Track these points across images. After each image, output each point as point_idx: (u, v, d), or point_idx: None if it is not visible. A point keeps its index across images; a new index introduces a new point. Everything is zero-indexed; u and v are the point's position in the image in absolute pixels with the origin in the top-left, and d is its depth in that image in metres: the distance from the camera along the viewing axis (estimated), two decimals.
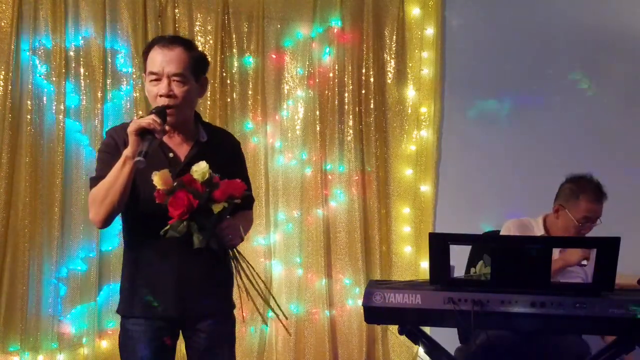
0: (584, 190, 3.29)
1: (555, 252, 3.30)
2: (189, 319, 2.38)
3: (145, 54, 2.35)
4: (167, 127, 2.26)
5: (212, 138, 2.42)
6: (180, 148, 2.36)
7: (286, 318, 2.36)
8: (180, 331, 2.44)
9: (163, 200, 2.16)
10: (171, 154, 2.34)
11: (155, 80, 2.29)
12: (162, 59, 2.28)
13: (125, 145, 2.24)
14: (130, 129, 2.18)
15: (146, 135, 2.17)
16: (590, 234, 3.32)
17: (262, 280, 2.39)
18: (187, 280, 2.34)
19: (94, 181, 2.29)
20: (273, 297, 2.38)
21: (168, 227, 2.17)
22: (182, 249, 2.25)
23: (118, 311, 2.43)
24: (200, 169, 2.18)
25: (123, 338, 2.40)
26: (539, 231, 3.37)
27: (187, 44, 2.36)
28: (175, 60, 2.28)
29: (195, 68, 2.34)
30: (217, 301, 2.40)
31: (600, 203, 3.28)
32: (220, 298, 2.42)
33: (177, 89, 2.29)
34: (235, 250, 2.32)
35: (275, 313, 2.37)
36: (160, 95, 2.28)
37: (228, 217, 2.27)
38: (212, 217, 2.19)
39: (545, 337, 3.06)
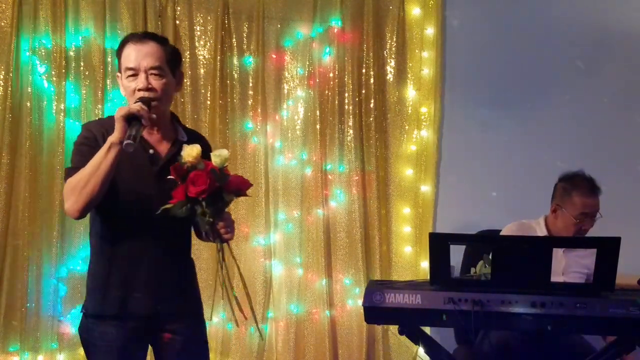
0: (576, 186, 3.30)
1: (558, 252, 3.31)
2: (161, 318, 2.34)
3: (119, 52, 2.34)
4: (154, 116, 2.24)
5: (190, 138, 2.40)
6: (160, 145, 2.35)
7: (245, 318, 2.26)
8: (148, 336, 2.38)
9: (180, 175, 2.13)
10: (151, 151, 2.33)
11: (132, 75, 2.28)
12: (137, 54, 2.27)
13: (104, 138, 2.23)
14: (119, 115, 2.17)
15: (133, 122, 2.17)
16: (591, 232, 3.32)
17: (243, 280, 2.29)
18: (161, 278, 2.31)
19: (72, 171, 2.23)
20: (249, 299, 2.24)
21: (170, 205, 2.13)
22: (157, 246, 2.26)
23: (85, 311, 2.37)
24: (223, 155, 2.16)
25: (92, 338, 2.36)
26: (541, 232, 3.36)
27: (160, 39, 2.36)
28: (151, 54, 2.28)
29: (171, 62, 2.33)
30: (189, 301, 2.41)
31: (594, 196, 3.29)
32: (191, 297, 2.43)
33: (156, 82, 2.27)
34: (224, 245, 2.25)
35: (232, 308, 2.23)
36: (139, 90, 2.26)
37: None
38: (219, 205, 2.16)
39: (550, 338, 3.06)
